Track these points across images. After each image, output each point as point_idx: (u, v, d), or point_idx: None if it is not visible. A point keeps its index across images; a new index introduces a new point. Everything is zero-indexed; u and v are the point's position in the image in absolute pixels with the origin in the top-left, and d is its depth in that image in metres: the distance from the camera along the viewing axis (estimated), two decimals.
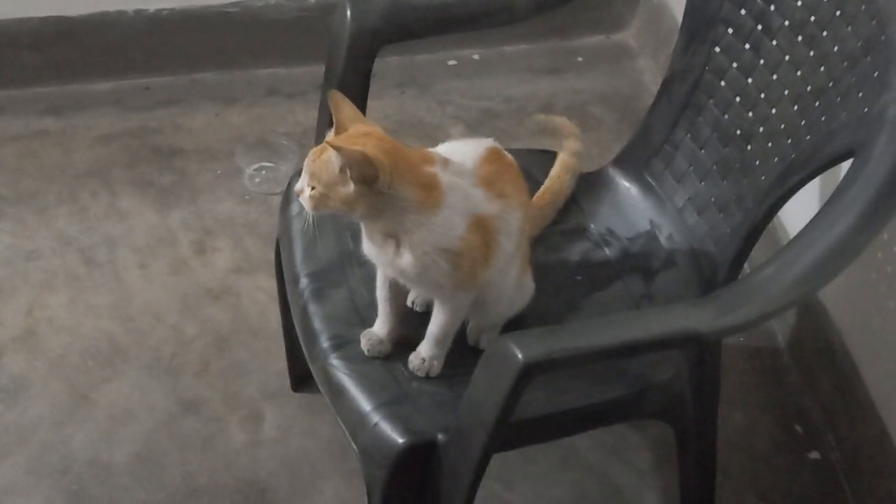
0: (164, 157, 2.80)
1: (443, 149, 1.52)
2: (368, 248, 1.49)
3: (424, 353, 1.54)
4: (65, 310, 2.40)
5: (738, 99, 1.74)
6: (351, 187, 1.38)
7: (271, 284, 2.11)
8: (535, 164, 1.83)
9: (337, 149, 1.36)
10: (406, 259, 1.44)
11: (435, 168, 1.43)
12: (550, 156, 1.94)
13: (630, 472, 2.10)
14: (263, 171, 2.74)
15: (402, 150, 1.43)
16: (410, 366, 1.55)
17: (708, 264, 1.74)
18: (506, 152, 1.54)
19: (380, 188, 1.37)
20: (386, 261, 1.49)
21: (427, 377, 1.54)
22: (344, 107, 1.45)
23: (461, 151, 1.50)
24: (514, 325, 1.59)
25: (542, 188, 1.80)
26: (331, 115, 1.86)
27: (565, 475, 2.09)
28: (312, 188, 1.41)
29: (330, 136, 1.44)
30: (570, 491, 2.07)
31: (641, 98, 2.97)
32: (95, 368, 2.27)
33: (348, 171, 1.37)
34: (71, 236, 2.58)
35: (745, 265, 1.70)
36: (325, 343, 1.61)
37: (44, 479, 2.05)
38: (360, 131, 1.43)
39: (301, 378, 2.20)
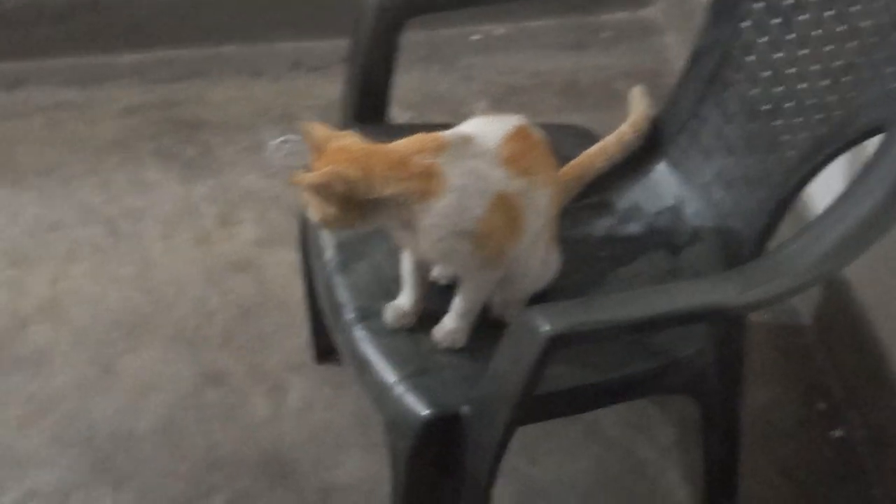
0: (188, 130, 2.81)
1: (467, 126, 1.52)
2: (395, 233, 1.50)
3: (449, 326, 1.54)
4: (89, 280, 2.42)
5: (766, 73, 1.73)
6: (335, 208, 1.40)
7: (294, 257, 2.11)
8: (561, 139, 1.81)
9: (300, 184, 1.39)
10: (423, 246, 1.45)
11: (434, 155, 1.42)
12: (574, 130, 1.93)
13: (653, 447, 2.10)
14: (287, 145, 2.74)
15: (382, 151, 1.44)
16: (434, 338, 1.54)
17: (734, 240, 1.72)
18: (534, 129, 1.53)
19: (361, 197, 1.39)
20: (408, 246, 1.51)
21: (451, 350, 1.54)
22: (314, 131, 1.46)
23: (486, 129, 1.49)
24: (539, 299, 1.59)
25: (572, 163, 1.79)
26: (354, 90, 1.87)
27: (588, 450, 2.09)
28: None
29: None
30: (593, 465, 2.07)
31: (667, 74, 2.95)
32: (119, 339, 2.28)
33: (325, 195, 1.39)
34: (95, 207, 2.59)
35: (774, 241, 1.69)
36: (349, 315, 1.61)
37: (68, 448, 2.07)
38: (334, 148, 1.44)
39: (324, 351, 2.21)
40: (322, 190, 1.39)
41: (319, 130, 1.47)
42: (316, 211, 1.44)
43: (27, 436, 2.08)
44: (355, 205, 1.41)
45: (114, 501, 1.97)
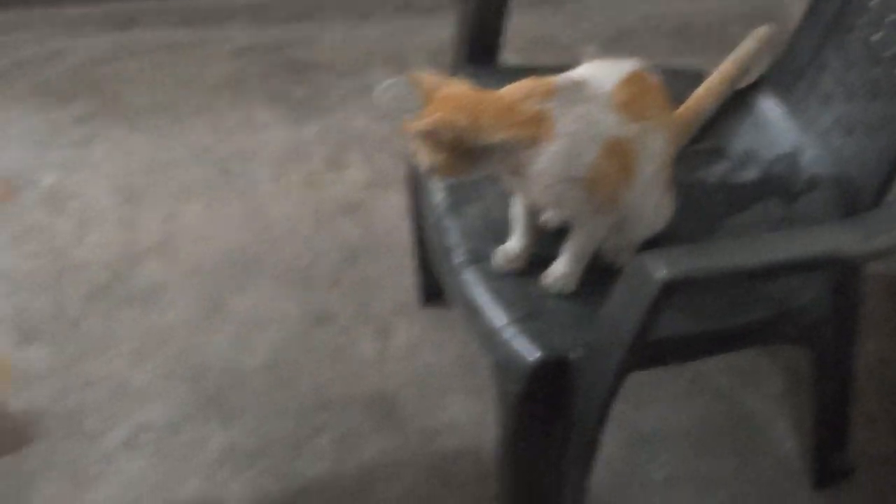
0: (298, 71, 2.82)
1: (581, 70, 1.50)
2: (505, 180, 1.49)
3: (559, 270, 1.53)
4: (200, 219, 2.45)
5: (891, 17, 1.67)
6: (443, 155, 1.39)
7: (402, 200, 2.12)
8: (675, 83, 1.78)
9: (408, 132, 1.40)
10: (534, 192, 1.44)
11: (544, 101, 1.40)
12: (687, 74, 1.89)
13: (761, 398, 2.07)
14: (396, 87, 2.74)
15: (490, 97, 1.43)
16: (544, 283, 1.54)
17: (852, 189, 1.68)
18: (650, 73, 1.51)
19: (470, 144, 1.39)
20: (519, 192, 1.50)
21: (561, 294, 1.53)
22: (423, 79, 1.46)
23: (601, 74, 1.48)
24: (650, 245, 1.57)
25: (683, 107, 1.77)
26: (466, 31, 1.86)
27: (695, 399, 2.07)
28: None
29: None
30: (700, 415, 2.05)
31: (783, 18, 2.86)
32: (229, 277, 2.32)
33: (433, 143, 1.39)
34: (207, 147, 2.62)
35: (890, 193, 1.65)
36: (459, 258, 1.60)
37: (180, 383, 2.10)
38: (444, 95, 1.43)
39: (430, 293, 2.21)
40: (430, 137, 1.39)
41: (429, 78, 1.46)
42: (425, 159, 1.43)
43: (140, 370, 2.13)
44: (464, 152, 1.40)
45: (223, 437, 2.01)
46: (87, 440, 2.00)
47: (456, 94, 1.43)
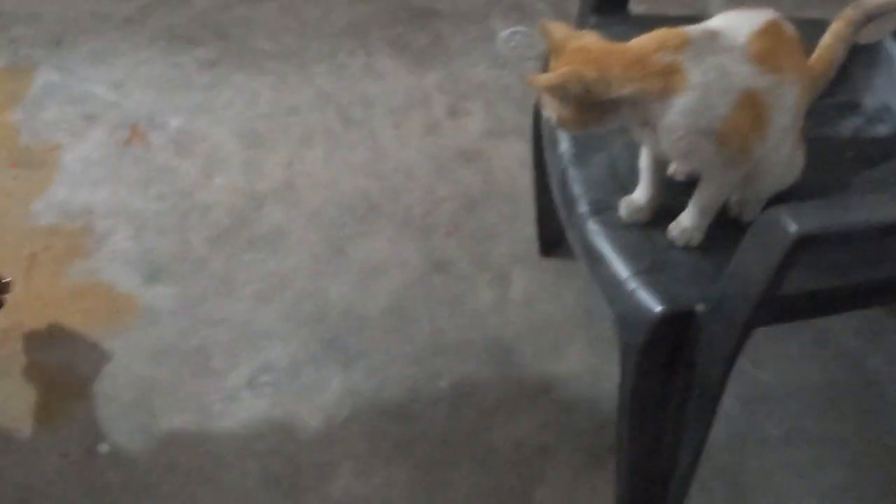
0: (420, 19, 2.82)
1: (717, 21, 1.47)
2: (634, 132, 1.48)
3: (686, 223, 1.51)
4: (322, 165, 2.47)
5: None
6: (571, 109, 1.39)
7: (522, 150, 2.11)
8: (807, 34, 1.74)
9: (536, 85, 1.38)
10: (664, 144, 1.42)
11: (676, 52, 1.38)
12: (822, 26, 1.85)
13: (885, 358, 2.04)
14: (518, 35, 2.73)
15: (620, 49, 1.41)
16: (670, 235, 1.52)
17: None
18: (786, 24, 1.47)
19: (599, 98, 1.37)
20: (647, 144, 1.49)
21: (686, 247, 1.52)
22: (553, 31, 1.44)
23: (736, 24, 1.45)
24: (779, 200, 1.54)
25: (812, 58, 1.72)
26: None
27: (816, 357, 2.05)
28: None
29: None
30: (821, 373, 2.02)
31: None
32: (350, 223, 2.34)
33: (562, 96, 1.38)
34: (329, 93, 2.64)
35: None
36: (583, 208, 1.60)
37: (301, 326, 2.14)
38: (573, 48, 1.42)
39: (550, 243, 2.21)
40: (558, 91, 1.38)
41: (558, 30, 1.45)
42: (553, 112, 1.42)
43: (263, 312, 2.17)
44: (593, 105, 1.39)
45: (343, 379, 2.04)
46: (211, 378, 2.04)
47: (585, 46, 1.42)
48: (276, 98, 2.64)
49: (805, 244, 1.26)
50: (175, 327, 2.13)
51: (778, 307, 1.41)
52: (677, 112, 1.38)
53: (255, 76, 2.72)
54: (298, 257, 2.27)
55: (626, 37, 1.44)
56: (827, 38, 1.74)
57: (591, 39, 1.43)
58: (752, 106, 1.40)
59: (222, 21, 2.89)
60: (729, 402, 1.95)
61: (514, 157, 2.43)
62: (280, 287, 2.21)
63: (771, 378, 2.01)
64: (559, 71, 1.38)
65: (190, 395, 2.02)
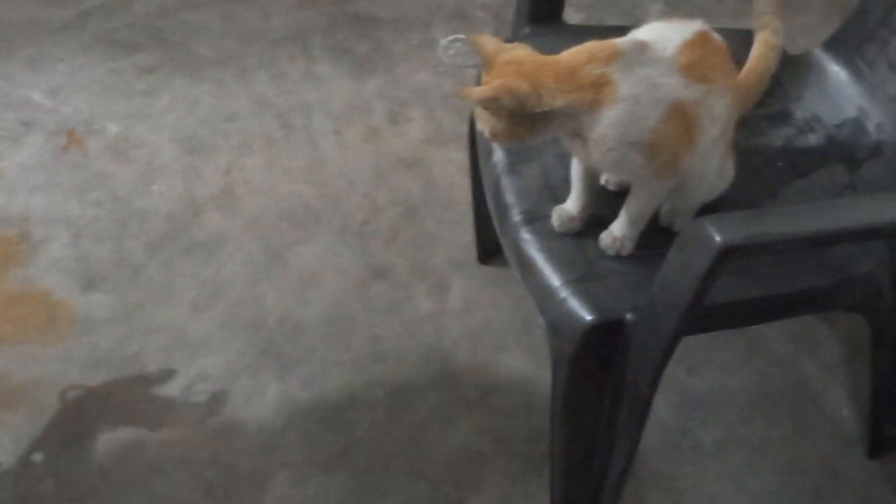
0: (361, 26, 2.82)
1: (644, 32, 1.48)
2: (565, 143, 1.49)
3: (617, 232, 1.52)
4: (261, 171, 2.47)
5: None
6: (504, 122, 1.39)
7: (462, 157, 2.12)
8: (738, 45, 1.76)
9: (469, 98, 1.39)
10: (594, 155, 1.44)
11: (606, 64, 1.39)
12: (752, 36, 1.87)
13: (817, 365, 2.06)
14: (458, 44, 2.74)
15: (551, 62, 1.42)
16: (601, 244, 1.53)
17: None
18: (714, 34, 1.49)
19: (531, 110, 1.38)
20: (578, 155, 1.50)
21: (617, 256, 1.53)
22: (483, 44, 1.45)
23: (665, 36, 1.46)
24: (710, 209, 1.56)
25: (745, 69, 1.74)
26: None
27: (750, 364, 2.07)
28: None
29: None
30: (754, 380, 2.04)
31: None
32: (289, 230, 2.33)
33: (494, 110, 1.39)
34: (269, 100, 2.64)
35: None
36: (516, 217, 1.61)
37: (238, 333, 2.13)
38: (504, 61, 1.42)
39: (488, 251, 2.22)
40: (491, 104, 1.39)
41: (489, 43, 1.45)
42: (485, 125, 1.43)
43: (200, 320, 2.16)
44: (524, 118, 1.39)
45: (280, 387, 2.03)
46: (147, 386, 2.03)
47: (516, 58, 1.43)
48: (215, 104, 2.63)
49: (730, 254, 1.27)
50: (111, 335, 2.12)
51: (706, 316, 1.42)
52: (607, 124, 1.39)
53: (194, 82, 2.71)
54: (236, 264, 2.26)
55: (560, 47, 1.45)
56: (757, 48, 1.76)
57: (522, 52, 1.44)
58: (680, 117, 1.41)
59: (161, 27, 2.88)
60: (663, 410, 1.97)
61: (454, 164, 2.43)
62: (217, 294, 2.20)
63: (705, 385, 2.03)
64: (491, 84, 1.38)
65: (125, 404, 2.00)
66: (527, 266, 1.56)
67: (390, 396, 2.02)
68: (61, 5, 2.98)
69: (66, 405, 1.99)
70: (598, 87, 1.39)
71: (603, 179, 1.60)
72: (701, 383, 2.03)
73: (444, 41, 2.74)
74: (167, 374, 2.05)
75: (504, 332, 2.13)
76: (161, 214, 2.37)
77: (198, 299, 2.19)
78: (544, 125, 1.41)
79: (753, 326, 2.05)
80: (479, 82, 1.46)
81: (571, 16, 1.98)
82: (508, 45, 1.45)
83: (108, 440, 1.94)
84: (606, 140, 1.40)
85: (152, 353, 2.09)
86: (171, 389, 2.03)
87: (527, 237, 1.57)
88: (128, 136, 2.57)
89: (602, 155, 1.42)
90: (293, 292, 2.21)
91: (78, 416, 1.98)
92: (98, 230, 2.34)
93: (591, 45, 1.42)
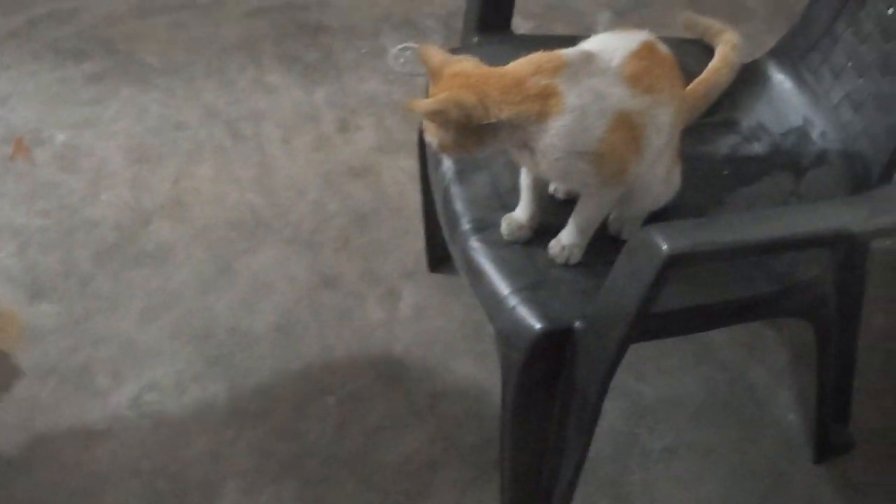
0: (310, 34, 2.82)
1: (593, 42, 1.49)
2: (513, 154, 1.50)
3: (565, 240, 1.53)
4: (210, 181, 2.46)
5: None
6: (451, 134, 1.40)
7: (412, 165, 2.12)
8: (687, 53, 1.78)
9: (415, 111, 1.39)
10: (542, 166, 1.45)
11: (552, 76, 1.40)
12: (702, 45, 1.89)
13: (765, 370, 2.08)
14: (408, 52, 2.74)
15: (497, 74, 1.42)
16: (550, 252, 1.54)
17: (861, 164, 1.68)
18: (661, 45, 1.50)
19: (478, 122, 1.39)
20: (527, 166, 1.51)
21: (566, 264, 1.54)
22: (431, 56, 1.46)
23: (611, 46, 1.47)
24: (657, 217, 1.57)
25: (698, 80, 1.76)
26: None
27: (697, 370, 2.08)
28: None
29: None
30: (702, 386, 2.06)
31: None
32: (238, 239, 2.33)
33: (441, 122, 1.39)
34: (218, 109, 2.63)
35: None
36: (466, 225, 1.61)
37: (187, 343, 2.12)
38: (451, 73, 1.43)
39: (438, 258, 2.22)
40: (438, 116, 1.39)
41: (436, 55, 1.46)
42: (433, 136, 1.44)
43: (149, 330, 2.14)
44: (472, 130, 1.40)
45: (229, 397, 2.02)
46: (96, 397, 2.02)
47: (463, 70, 1.43)
48: (164, 113, 2.62)
49: (676, 263, 1.28)
50: (59, 345, 2.10)
51: (653, 323, 1.44)
52: (554, 135, 1.40)
53: (143, 91, 2.69)
54: (185, 274, 2.25)
55: (509, 56, 1.46)
56: (715, 62, 1.79)
57: (469, 64, 1.44)
58: (627, 127, 1.42)
59: (110, 35, 2.86)
60: (613, 416, 1.98)
61: (404, 172, 2.44)
62: (166, 304, 2.19)
63: (654, 391, 2.05)
64: (438, 96, 1.39)
65: (74, 415, 1.99)
66: (476, 274, 1.56)
67: (341, 405, 2.02)
68: (8, 14, 2.96)
69: (14, 416, 1.97)
70: (545, 99, 1.40)
71: (552, 188, 1.61)
72: (650, 390, 2.05)
73: (393, 49, 2.74)
74: (116, 385, 2.04)
75: (455, 339, 2.13)
76: (109, 224, 2.36)
77: (147, 309, 2.18)
78: (492, 137, 1.41)
79: (702, 333, 2.06)
80: (427, 93, 1.47)
81: (520, 24, 1.99)
82: (455, 57, 1.46)
83: (58, 451, 1.92)
84: (554, 150, 1.41)
85: (101, 363, 2.07)
86: (120, 399, 2.01)
87: (476, 245, 1.58)
88: (76, 144, 2.55)
89: (550, 165, 1.43)
90: (243, 301, 2.20)
91: (26, 428, 1.96)
92: (45, 240, 2.32)
93: (537, 57, 1.43)
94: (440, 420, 2.00)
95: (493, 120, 1.39)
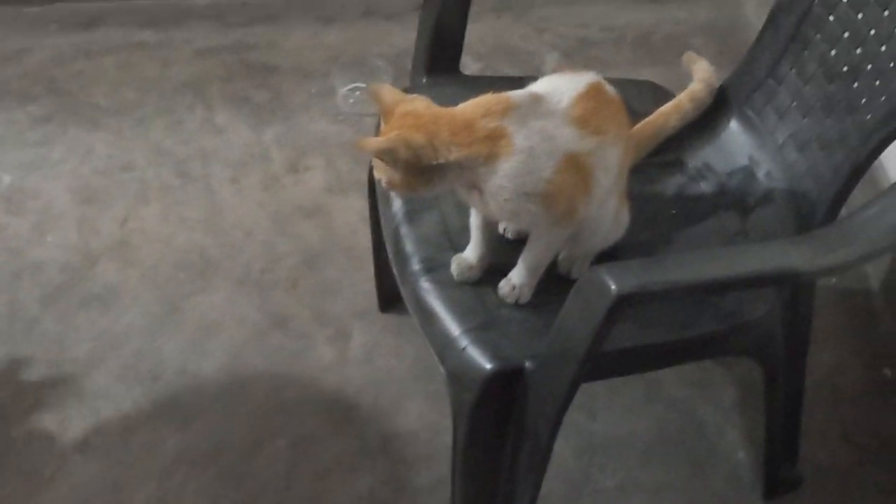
0: (260, 74, 2.82)
1: (541, 84, 1.50)
2: (462, 194, 1.50)
3: (515, 280, 1.54)
4: (158, 221, 2.44)
5: (846, 34, 1.70)
6: (400, 173, 1.41)
7: (362, 205, 2.12)
8: (633, 94, 1.80)
9: (365, 149, 1.40)
10: (492, 206, 1.45)
11: (501, 117, 1.41)
12: (648, 86, 1.91)
13: (714, 408, 2.09)
14: (357, 92, 2.75)
15: (447, 115, 1.43)
16: (500, 292, 1.54)
17: (806, 203, 1.70)
18: (608, 86, 1.52)
19: (427, 163, 1.39)
20: (476, 206, 1.51)
21: (516, 304, 1.54)
22: (382, 94, 1.46)
23: (559, 88, 1.48)
24: (606, 256, 1.58)
25: (645, 121, 1.77)
26: (427, 38, 1.86)
27: (648, 408, 2.09)
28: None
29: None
30: (653, 424, 2.07)
31: (743, 31, 2.91)
32: (187, 280, 2.31)
33: (390, 161, 1.40)
34: (166, 149, 2.62)
35: (844, 207, 1.67)
36: (416, 266, 1.61)
37: (134, 386, 2.10)
38: (402, 112, 1.44)
39: (389, 299, 2.22)
40: (387, 155, 1.39)
41: (388, 93, 1.46)
42: (383, 175, 1.44)
43: (96, 372, 2.12)
44: (421, 170, 1.40)
45: (178, 440, 2.00)
46: (42, 441, 1.99)
47: (414, 110, 1.44)
48: (111, 154, 2.60)
49: (625, 302, 1.29)
50: (5, 389, 2.07)
51: (603, 362, 1.44)
52: (503, 176, 1.40)
53: (90, 132, 2.67)
54: (133, 315, 2.23)
55: (458, 96, 1.46)
56: (667, 107, 1.80)
57: (420, 104, 1.45)
58: (575, 168, 1.43)
59: (57, 76, 2.84)
60: (565, 455, 1.98)
61: (354, 212, 2.44)
62: (114, 346, 2.17)
63: (605, 429, 2.05)
64: (388, 136, 1.39)
65: (20, 459, 1.96)
66: (427, 315, 1.56)
67: (292, 447, 2.01)
68: None
69: None
70: (494, 140, 1.40)
71: (501, 228, 1.62)
72: (602, 428, 2.05)
73: (343, 89, 2.74)
74: (63, 429, 2.01)
75: (406, 380, 2.13)
76: (56, 266, 2.33)
77: (94, 352, 2.16)
78: (441, 177, 1.42)
79: (652, 371, 2.07)
80: (378, 131, 1.47)
81: (469, 65, 2.01)
82: (407, 97, 1.46)
83: (4, 497, 1.89)
84: (503, 191, 1.42)
85: (47, 406, 2.05)
86: (66, 444, 1.99)
87: (426, 286, 1.58)
88: (22, 186, 2.52)
89: (499, 206, 1.44)
90: (191, 343, 2.18)
91: None
92: None
93: (486, 99, 1.44)
94: (392, 461, 1.99)
95: (442, 161, 1.39)
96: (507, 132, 1.40)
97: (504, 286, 1.54)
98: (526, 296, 1.54)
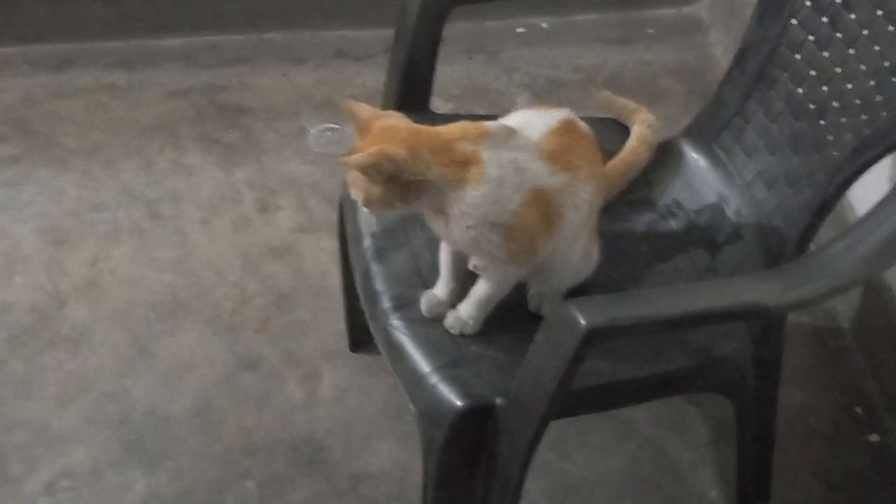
0: (230, 115, 2.82)
1: (513, 119, 1.51)
2: (428, 217, 1.50)
3: (462, 313, 1.53)
4: (128, 262, 2.43)
5: (813, 72, 1.71)
6: (380, 188, 1.40)
7: (333, 245, 2.11)
8: (603, 133, 1.81)
9: (349, 165, 1.40)
10: (454, 232, 1.45)
11: (476, 144, 1.42)
12: (619, 126, 1.92)
13: (686, 447, 2.09)
14: (328, 133, 2.75)
15: (427, 133, 1.44)
16: (445, 323, 1.54)
17: (775, 239, 1.71)
18: (580, 123, 1.53)
19: (406, 178, 1.39)
20: (439, 231, 1.51)
21: (461, 335, 1.53)
22: (359, 110, 1.47)
23: (531, 123, 1.49)
24: (577, 293, 1.58)
25: (617, 158, 1.78)
26: (397, 79, 1.87)
27: (620, 446, 2.09)
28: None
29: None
30: (625, 462, 2.06)
31: (711, 71, 2.93)
32: (156, 321, 2.30)
33: (372, 175, 1.39)
34: (137, 190, 2.61)
35: (812, 243, 1.68)
36: (386, 303, 1.61)
37: (103, 428, 2.08)
38: (381, 127, 1.44)
39: (359, 339, 2.21)
40: (371, 169, 1.39)
41: (364, 110, 1.47)
42: (360, 191, 1.43)
43: (63, 414, 2.10)
44: (399, 185, 1.40)
45: (147, 483, 1.98)
46: (8, 484, 1.97)
47: (394, 126, 1.44)
48: (81, 195, 2.59)
49: (595, 338, 1.29)
50: None
51: (573, 399, 1.44)
52: (470, 203, 1.41)
53: (59, 173, 2.66)
54: (101, 357, 2.21)
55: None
56: (631, 142, 1.81)
57: (398, 120, 1.45)
58: (541, 204, 1.44)
59: (26, 117, 2.83)
60: (536, 495, 1.97)
61: (325, 252, 2.43)
62: (82, 388, 2.15)
63: (577, 469, 2.04)
64: (372, 150, 1.39)
65: None
66: (397, 352, 1.56)
67: (261, 489, 1.99)
68: None
69: None
70: (468, 165, 1.41)
71: (471, 264, 1.61)
72: (573, 467, 2.04)
73: (313, 130, 2.75)
74: (29, 471, 1.99)
75: (376, 420, 2.12)
76: (24, 307, 2.31)
77: (62, 394, 2.14)
78: (417, 194, 1.42)
79: (623, 409, 2.07)
80: (350, 150, 1.46)
81: (440, 106, 2.01)
82: (384, 112, 1.47)
83: None
84: (467, 218, 1.42)
85: (14, 449, 2.03)
86: (33, 487, 1.96)
87: (396, 324, 1.57)
88: None
89: (462, 232, 1.44)
90: (161, 384, 2.16)
91: None
92: None
93: (463, 124, 1.45)
94: (362, 502, 1.97)
95: (423, 177, 1.39)
96: (481, 159, 1.40)
97: (450, 316, 1.54)
98: (470, 328, 1.53)
